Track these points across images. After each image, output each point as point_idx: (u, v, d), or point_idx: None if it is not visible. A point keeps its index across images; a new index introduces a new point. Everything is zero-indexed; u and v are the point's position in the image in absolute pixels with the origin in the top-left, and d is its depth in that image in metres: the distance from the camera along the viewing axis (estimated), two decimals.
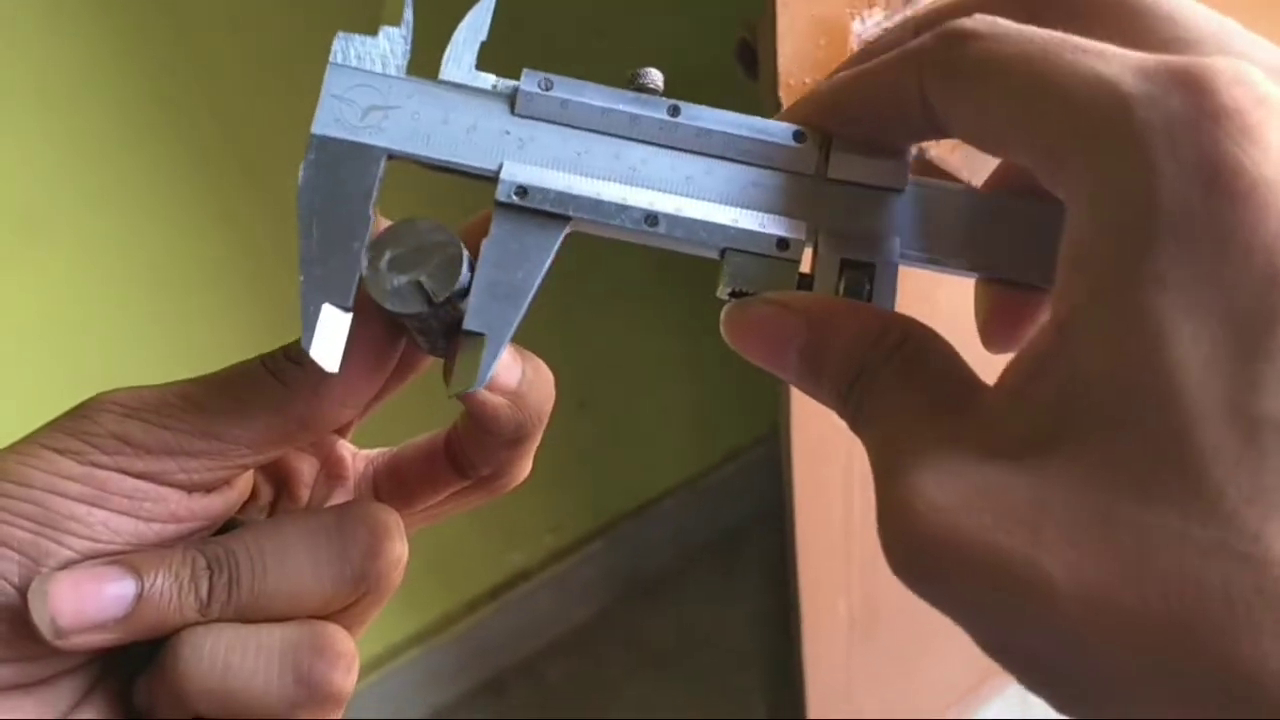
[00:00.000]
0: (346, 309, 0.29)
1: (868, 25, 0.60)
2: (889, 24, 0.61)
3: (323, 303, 0.29)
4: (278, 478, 0.35)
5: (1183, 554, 0.21)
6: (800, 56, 0.60)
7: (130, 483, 0.30)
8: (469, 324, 0.30)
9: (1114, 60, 0.24)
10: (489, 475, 0.35)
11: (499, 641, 1.50)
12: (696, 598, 1.58)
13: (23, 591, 0.29)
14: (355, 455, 0.37)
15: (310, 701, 0.30)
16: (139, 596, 0.29)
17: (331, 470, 0.36)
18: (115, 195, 0.87)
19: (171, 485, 0.30)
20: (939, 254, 0.31)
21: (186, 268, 0.93)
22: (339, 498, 0.35)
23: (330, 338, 0.29)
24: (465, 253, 0.30)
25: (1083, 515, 0.22)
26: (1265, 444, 0.21)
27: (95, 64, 0.80)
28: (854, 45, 0.61)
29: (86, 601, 0.29)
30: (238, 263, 0.91)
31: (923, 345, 0.27)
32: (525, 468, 0.35)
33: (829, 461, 0.89)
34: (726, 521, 1.57)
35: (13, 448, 0.30)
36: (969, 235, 0.31)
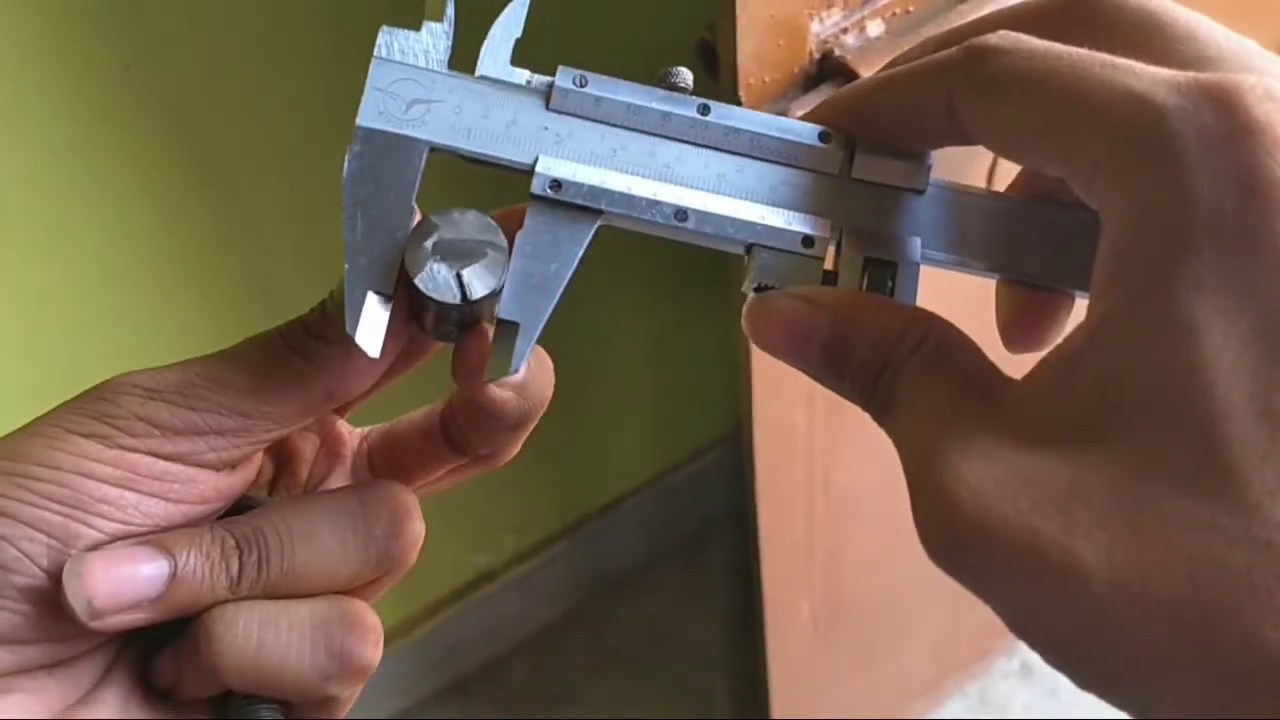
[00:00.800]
0: (388, 297, 0.30)
1: (826, 25, 0.61)
2: (847, 24, 0.61)
3: (367, 290, 0.30)
4: (280, 455, 0.36)
5: (1210, 541, 0.22)
6: (760, 56, 0.60)
7: (160, 465, 0.30)
8: (503, 313, 0.30)
9: (1145, 75, 0.25)
10: (486, 454, 0.36)
11: (463, 643, 1.49)
12: (662, 598, 1.58)
13: (52, 574, 0.29)
14: (351, 432, 0.37)
15: (342, 674, 0.31)
16: (172, 576, 0.30)
17: (331, 447, 0.37)
18: (85, 196, 0.86)
19: (201, 465, 0.31)
20: (960, 255, 0.32)
21: (160, 268, 0.92)
22: (338, 475, 0.36)
23: (373, 324, 0.30)
24: (508, 258, 0.31)
25: (1115, 502, 0.23)
26: None
27: (60, 65, 0.79)
28: (812, 45, 0.61)
29: (121, 583, 0.29)
30: (208, 263, 0.90)
31: (946, 339, 0.28)
32: (519, 446, 0.36)
33: (791, 463, 0.89)
34: (691, 521, 1.58)
35: (33, 430, 0.30)
36: (990, 237, 0.32)
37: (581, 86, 0.32)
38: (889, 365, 0.28)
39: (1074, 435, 0.24)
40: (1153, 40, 0.27)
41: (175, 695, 0.32)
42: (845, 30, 0.62)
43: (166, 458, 0.30)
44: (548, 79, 0.32)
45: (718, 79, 0.63)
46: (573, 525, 1.51)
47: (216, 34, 0.83)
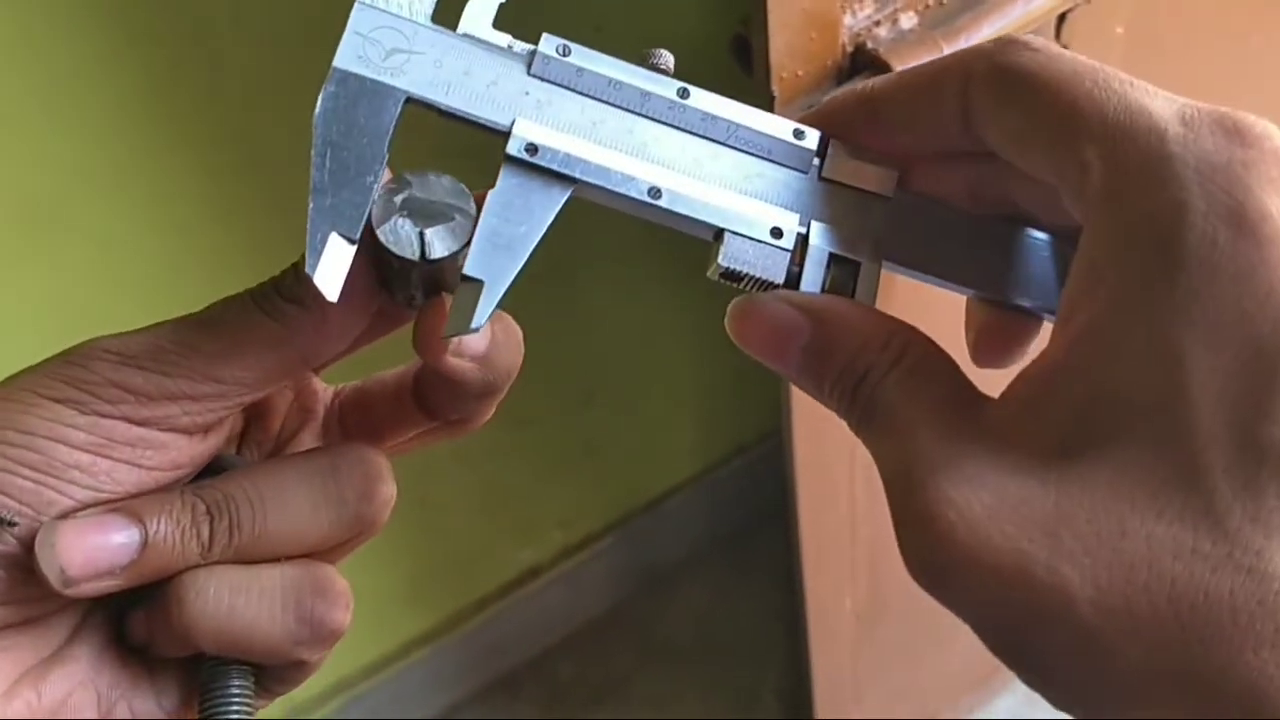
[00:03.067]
0: (352, 241, 0.29)
1: (859, 19, 0.61)
2: (880, 16, 0.61)
3: (330, 231, 0.29)
4: (252, 410, 0.35)
5: (1192, 567, 0.22)
6: (793, 50, 0.60)
7: (134, 431, 0.30)
8: (469, 269, 0.30)
9: (1158, 97, 0.26)
10: (457, 420, 0.36)
11: (510, 639, 1.50)
12: (707, 593, 1.58)
13: (23, 541, 0.29)
14: (325, 389, 0.37)
15: (312, 639, 0.31)
16: (144, 544, 0.30)
17: (303, 403, 0.36)
18: (124, 186, 0.88)
19: (174, 430, 0.30)
20: (919, 263, 0.33)
21: (198, 256, 0.94)
22: (309, 430, 0.36)
23: (333, 266, 0.29)
24: (476, 226, 0.30)
25: (1099, 527, 0.23)
26: (1271, 469, 0.22)
27: (102, 57, 0.80)
28: (845, 39, 0.61)
29: (94, 551, 0.29)
30: (246, 252, 0.91)
31: (926, 353, 0.29)
32: (490, 413, 0.36)
33: (832, 461, 0.89)
34: (737, 516, 1.57)
35: (3, 395, 0.30)
36: (951, 250, 0.33)
37: (565, 55, 0.32)
38: (870, 375, 0.28)
39: (1056, 457, 0.24)
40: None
41: (148, 651, 0.32)
42: (878, 23, 0.62)
43: (139, 423, 0.30)
44: (529, 45, 0.32)
45: (752, 73, 0.63)
46: (618, 521, 1.51)
47: (260, 29, 0.85)
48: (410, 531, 1.27)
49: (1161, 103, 0.25)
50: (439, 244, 0.30)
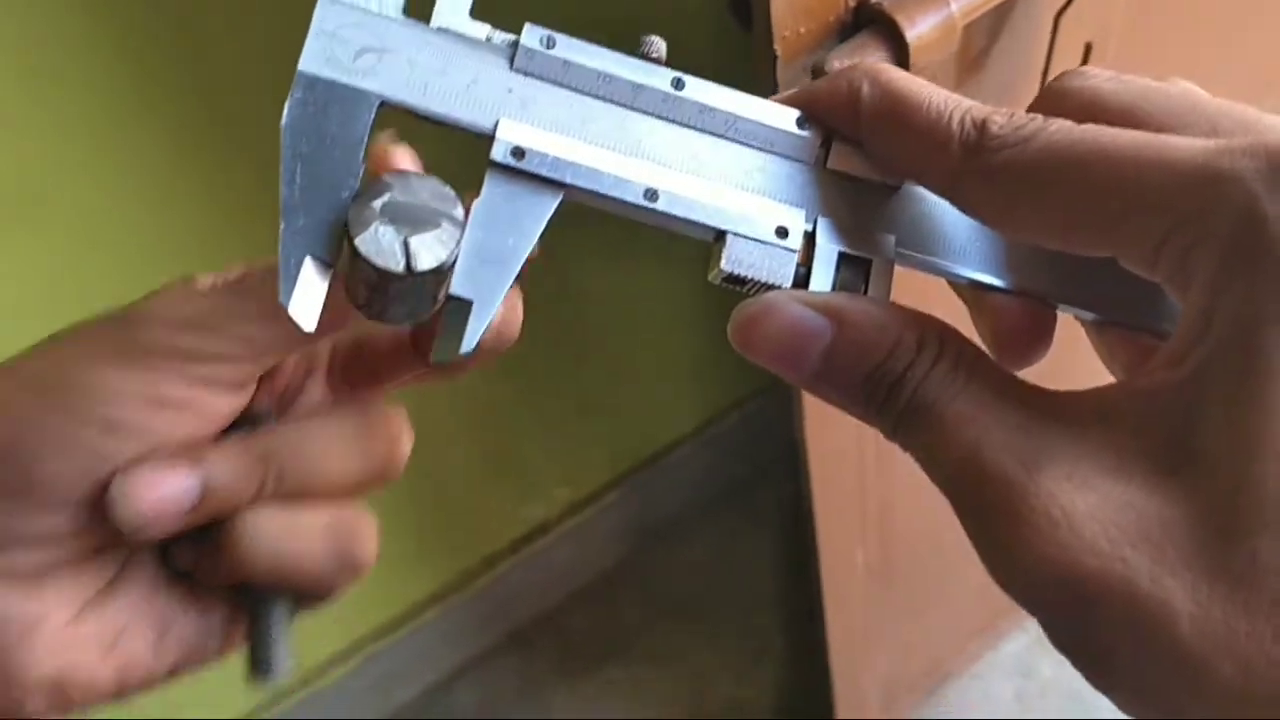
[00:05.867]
0: (329, 264, 0.28)
1: None
2: None
3: (304, 255, 0.27)
4: None
5: None
6: (793, 6, 0.58)
7: (184, 389, 0.32)
8: (456, 289, 0.28)
9: (1192, 146, 0.25)
10: (455, 365, 0.36)
11: (520, 595, 1.51)
12: (714, 544, 1.59)
13: (84, 490, 0.31)
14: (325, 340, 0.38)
15: (348, 574, 0.34)
16: (205, 489, 0.32)
17: (307, 355, 0.38)
18: (107, 171, 0.86)
19: (217, 387, 0.32)
20: (936, 255, 0.31)
21: (181, 242, 0.93)
22: (315, 380, 0.37)
23: (309, 294, 0.27)
24: (463, 233, 0.28)
25: (1202, 539, 0.23)
26: None
27: (81, 40, 0.78)
28: None
29: (163, 500, 0.32)
30: (230, 238, 0.90)
31: (962, 347, 0.27)
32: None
33: (841, 415, 0.88)
34: (741, 466, 1.58)
35: (62, 352, 0.32)
36: (968, 240, 0.31)
37: (549, 48, 0.29)
38: (910, 375, 0.27)
39: (1157, 467, 0.24)
40: (1154, 118, 0.27)
41: (194, 577, 0.35)
42: None
43: (189, 382, 0.32)
44: (510, 36, 0.30)
45: (751, 30, 0.61)
46: (623, 475, 1.51)
47: (241, 11, 0.83)
48: (417, 495, 1.27)
49: (1200, 150, 0.25)
50: (426, 253, 0.27)
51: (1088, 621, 0.23)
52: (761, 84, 0.62)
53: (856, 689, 1.26)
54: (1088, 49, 0.70)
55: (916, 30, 0.57)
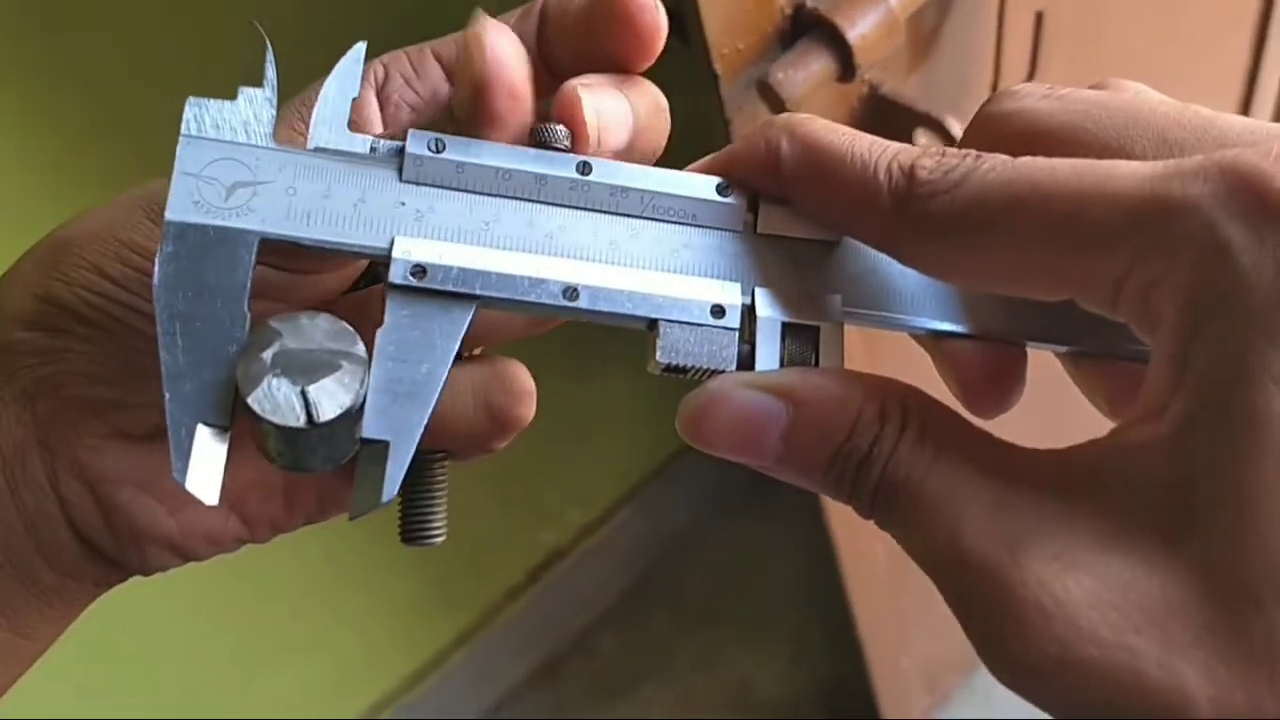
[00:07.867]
0: (224, 429, 0.25)
1: None
2: None
3: (196, 423, 0.25)
4: None
5: None
6: (729, 23, 0.56)
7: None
8: (368, 431, 0.26)
9: (1140, 172, 0.23)
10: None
11: (546, 624, 1.49)
12: (734, 546, 1.57)
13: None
14: None
15: (501, 429, 0.33)
16: None
17: None
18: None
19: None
20: (885, 310, 0.28)
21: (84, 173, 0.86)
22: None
23: (206, 466, 0.25)
24: (368, 370, 0.26)
25: (1212, 613, 0.21)
26: None
27: None
28: (783, 1, 0.56)
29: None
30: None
31: (927, 410, 0.25)
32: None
33: None
34: (748, 467, 1.55)
35: None
36: (919, 289, 0.28)
37: (439, 151, 0.27)
38: (876, 452, 0.24)
39: (1152, 539, 0.22)
40: (1097, 139, 0.25)
41: None
42: None
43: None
44: (395, 144, 0.28)
45: (690, 45, 0.59)
46: (633, 490, 1.50)
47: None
48: None
49: (1148, 176, 0.23)
50: (328, 401, 0.25)
51: (1098, 718, 0.22)
52: (708, 102, 0.60)
53: (898, 673, 1.24)
54: (1039, 18, 0.68)
55: (857, 31, 0.55)
